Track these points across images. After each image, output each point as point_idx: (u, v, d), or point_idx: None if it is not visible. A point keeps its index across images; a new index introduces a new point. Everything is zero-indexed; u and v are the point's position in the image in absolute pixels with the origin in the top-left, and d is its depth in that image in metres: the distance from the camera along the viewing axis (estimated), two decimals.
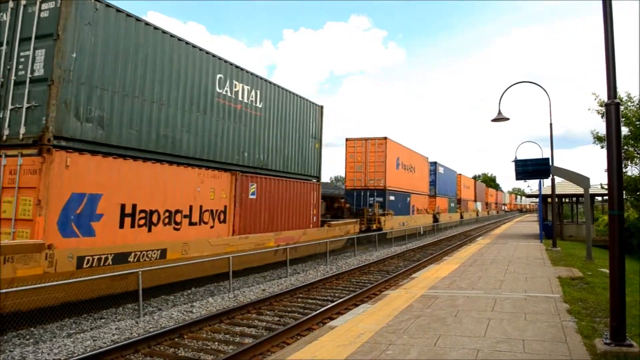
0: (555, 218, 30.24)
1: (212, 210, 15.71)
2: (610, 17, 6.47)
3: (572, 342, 6.54)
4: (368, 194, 32.80)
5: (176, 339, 9.62)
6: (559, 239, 25.61)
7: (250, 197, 17.79)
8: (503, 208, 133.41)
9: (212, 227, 15.67)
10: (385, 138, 32.94)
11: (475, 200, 57.55)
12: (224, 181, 16.38)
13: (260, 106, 18.74)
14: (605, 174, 13.24)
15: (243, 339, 9.72)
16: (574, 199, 35.90)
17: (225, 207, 16.39)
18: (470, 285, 11.57)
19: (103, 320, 11.22)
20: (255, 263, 17.78)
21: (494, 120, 20.48)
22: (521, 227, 46.88)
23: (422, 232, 38.30)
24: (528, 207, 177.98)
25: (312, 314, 11.20)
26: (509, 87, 21.79)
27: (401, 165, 36.45)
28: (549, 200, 30.68)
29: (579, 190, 25.96)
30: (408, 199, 38.48)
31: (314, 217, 22.99)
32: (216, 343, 9.47)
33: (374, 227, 30.64)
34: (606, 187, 9.01)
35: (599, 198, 37.26)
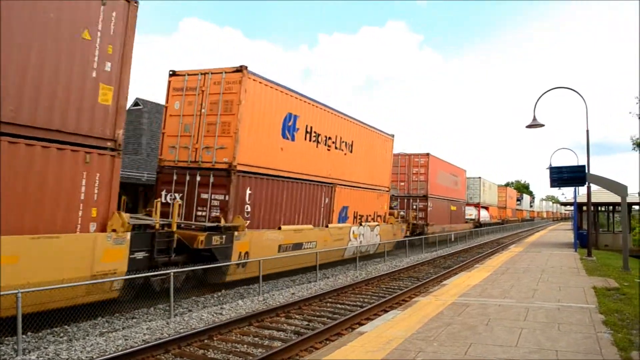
0: (591, 227, 29.52)
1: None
2: None
3: (607, 355, 6.38)
4: None
5: (206, 341, 9.72)
6: (594, 249, 24.95)
7: None
8: (469, 217, 51.09)
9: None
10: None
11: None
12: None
13: None
14: None
15: (272, 342, 9.76)
16: (610, 207, 35.12)
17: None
18: (502, 294, 11.40)
19: (135, 320, 11.42)
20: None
21: (529, 126, 20.10)
22: (555, 235, 46.04)
23: (452, 239, 39.04)
24: (545, 214, 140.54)
25: (341, 319, 11.18)
26: (545, 93, 21.19)
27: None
28: (584, 208, 30.04)
29: (616, 198, 25.30)
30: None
31: None
32: (245, 345, 9.53)
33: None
34: None
35: (637, 207, 36.35)
